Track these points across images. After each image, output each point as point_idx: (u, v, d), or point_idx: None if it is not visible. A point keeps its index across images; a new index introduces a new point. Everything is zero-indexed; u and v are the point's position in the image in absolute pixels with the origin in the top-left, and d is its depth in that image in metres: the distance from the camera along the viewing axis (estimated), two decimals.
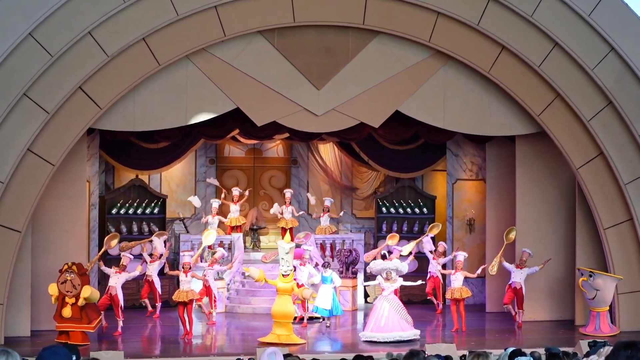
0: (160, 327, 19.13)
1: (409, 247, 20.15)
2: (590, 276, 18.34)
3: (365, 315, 17.98)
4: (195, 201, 21.89)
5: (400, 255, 19.57)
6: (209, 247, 20.11)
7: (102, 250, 18.41)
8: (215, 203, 21.69)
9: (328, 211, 22.26)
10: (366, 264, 20.59)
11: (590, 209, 18.75)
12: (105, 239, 18.48)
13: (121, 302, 17.89)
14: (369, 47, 18.49)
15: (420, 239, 20.71)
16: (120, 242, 18.88)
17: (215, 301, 19.39)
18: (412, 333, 17.40)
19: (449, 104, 18.88)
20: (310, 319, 19.25)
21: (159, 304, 19.86)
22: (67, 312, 16.75)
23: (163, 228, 21.58)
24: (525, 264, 19.02)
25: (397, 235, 20.56)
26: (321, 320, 19.05)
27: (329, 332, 18.58)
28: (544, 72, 18.20)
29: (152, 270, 19.50)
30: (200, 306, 19.15)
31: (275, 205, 22.18)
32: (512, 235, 19.19)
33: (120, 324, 17.90)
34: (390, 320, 17.24)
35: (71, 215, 18.50)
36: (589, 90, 18.25)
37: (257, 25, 17.92)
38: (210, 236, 19.36)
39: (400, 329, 17.26)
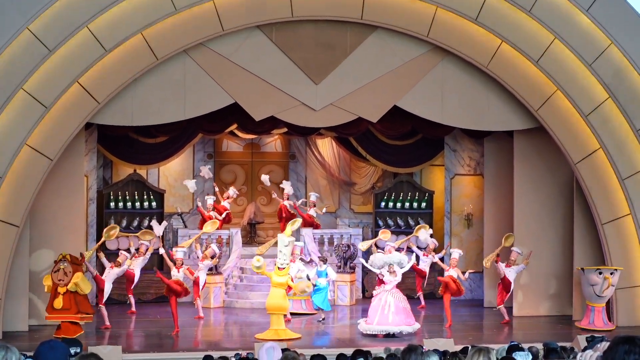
0: (155, 322, 19.10)
1: (398, 242, 20.19)
2: (612, 274, 18.27)
3: (364, 311, 17.95)
4: (190, 185, 21.82)
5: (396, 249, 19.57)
6: (197, 244, 20.09)
7: (101, 241, 18.46)
8: (210, 200, 21.68)
9: (314, 206, 22.25)
10: (362, 253, 20.56)
11: (589, 204, 18.74)
12: (105, 230, 18.53)
13: (106, 294, 18.08)
14: (367, 41, 18.47)
15: (407, 238, 20.67)
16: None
17: (199, 293, 19.30)
18: (416, 327, 17.43)
19: (447, 98, 18.87)
20: (296, 314, 19.30)
21: (131, 296, 19.85)
22: (58, 302, 16.67)
23: (161, 223, 21.52)
24: (515, 262, 18.98)
25: (389, 231, 20.48)
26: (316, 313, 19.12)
27: (325, 326, 18.61)
28: (542, 66, 18.19)
29: (136, 264, 19.43)
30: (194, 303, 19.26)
31: (264, 176, 22.43)
32: (511, 240, 19.14)
33: (104, 311, 17.92)
34: (398, 316, 17.22)
35: (69, 210, 18.49)
36: (588, 85, 18.24)
37: (255, 20, 17.90)
38: (211, 225, 19.69)
39: (405, 324, 17.27)
